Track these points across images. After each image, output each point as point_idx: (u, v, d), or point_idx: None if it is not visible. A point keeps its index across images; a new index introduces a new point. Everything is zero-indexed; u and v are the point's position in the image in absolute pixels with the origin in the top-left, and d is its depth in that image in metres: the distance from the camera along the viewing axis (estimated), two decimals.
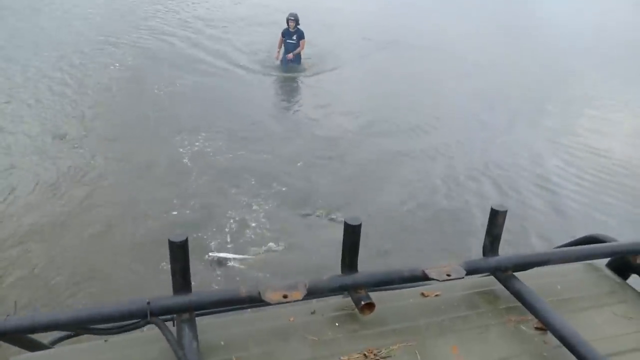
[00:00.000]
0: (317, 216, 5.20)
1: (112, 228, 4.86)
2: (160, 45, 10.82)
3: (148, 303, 0.89)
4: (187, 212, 5.17)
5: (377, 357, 0.95)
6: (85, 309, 0.89)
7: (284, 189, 5.68)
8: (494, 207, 1.11)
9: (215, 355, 0.94)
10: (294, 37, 9.50)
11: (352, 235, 1.02)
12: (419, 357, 0.96)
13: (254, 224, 5.00)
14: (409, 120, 7.94)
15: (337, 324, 1.04)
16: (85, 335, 0.94)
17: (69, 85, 8.40)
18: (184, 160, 6.23)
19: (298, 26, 9.50)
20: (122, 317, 0.90)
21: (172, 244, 0.91)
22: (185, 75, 9.16)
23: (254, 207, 5.28)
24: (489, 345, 1.02)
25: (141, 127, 7.12)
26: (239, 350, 0.95)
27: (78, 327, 0.90)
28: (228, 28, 12.34)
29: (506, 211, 1.11)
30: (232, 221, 5.03)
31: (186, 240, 0.92)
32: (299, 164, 6.36)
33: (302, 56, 9.85)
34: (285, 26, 9.58)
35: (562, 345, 0.96)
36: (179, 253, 0.92)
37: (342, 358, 0.95)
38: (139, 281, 4.17)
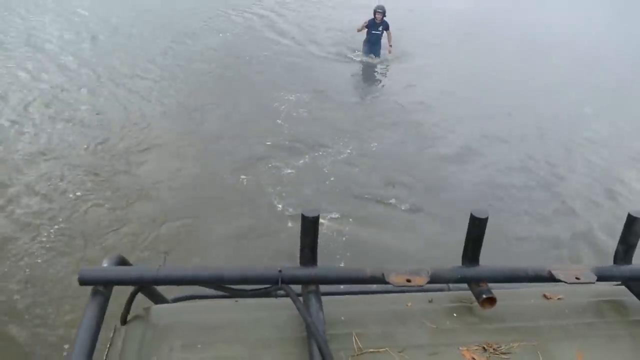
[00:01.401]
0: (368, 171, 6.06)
1: (226, 149, 6.21)
2: (258, 20, 12.27)
3: (280, 271, 0.92)
4: (277, 144, 6.41)
5: (497, 352, 0.93)
6: (225, 268, 0.93)
7: (350, 144, 6.61)
8: (632, 214, 1.04)
9: (337, 329, 0.95)
10: (380, 29, 9.91)
11: (477, 227, 1.00)
12: (540, 357, 0.94)
13: (320, 166, 6.06)
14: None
15: (455, 315, 1.02)
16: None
17: (181, 47, 9.91)
18: (278, 111, 7.41)
19: (384, 18, 9.90)
20: (257, 281, 0.94)
21: (304, 219, 0.93)
22: (277, 47, 10.40)
23: (324, 154, 6.33)
24: (617, 356, 0.96)
25: (243, 84, 8.38)
26: (359, 327, 0.96)
27: (218, 283, 0.95)
28: (318, 10, 13.45)
29: None
30: (304, 159, 6.16)
31: (318, 217, 0.93)
32: (368, 126, 7.27)
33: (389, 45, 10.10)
34: (372, 17, 9.90)
35: None
36: (311, 227, 0.94)
37: (460, 348, 0.94)
38: (229, 182, 5.54)
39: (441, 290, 1.12)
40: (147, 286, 1.03)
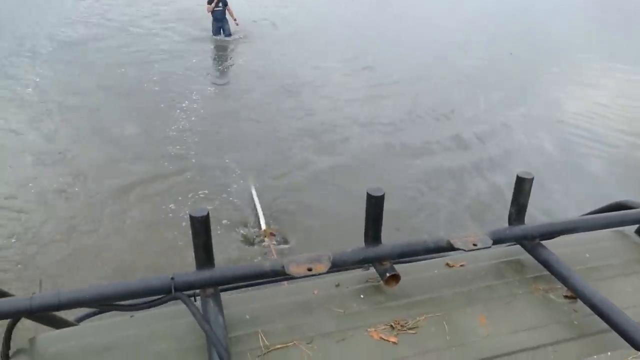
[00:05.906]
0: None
1: None
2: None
3: (172, 278, 0.87)
4: None
5: (404, 328, 0.94)
6: (110, 285, 0.86)
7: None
8: (520, 175, 1.06)
9: (241, 329, 0.92)
10: (220, 5, 11.06)
11: (375, 206, 0.99)
12: (446, 327, 0.95)
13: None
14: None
15: (362, 296, 1.02)
16: (112, 312, 0.93)
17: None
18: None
19: None
20: (147, 293, 0.88)
21: (193, 219, 0.88)
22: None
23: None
24: (517, 314, 0.99)
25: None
26: (264, 324, 0.94)
27: (103, 304, 0.88)
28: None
29: (532, 178, 1.06)
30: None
31: (207, 215, 0.89)
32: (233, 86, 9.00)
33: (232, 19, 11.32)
34: None
35: (593, 313, 0.93)
36: (201, 228, 0.89)
37: (368, 330, 0.93)
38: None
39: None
40: (40, 314, 0.90)
